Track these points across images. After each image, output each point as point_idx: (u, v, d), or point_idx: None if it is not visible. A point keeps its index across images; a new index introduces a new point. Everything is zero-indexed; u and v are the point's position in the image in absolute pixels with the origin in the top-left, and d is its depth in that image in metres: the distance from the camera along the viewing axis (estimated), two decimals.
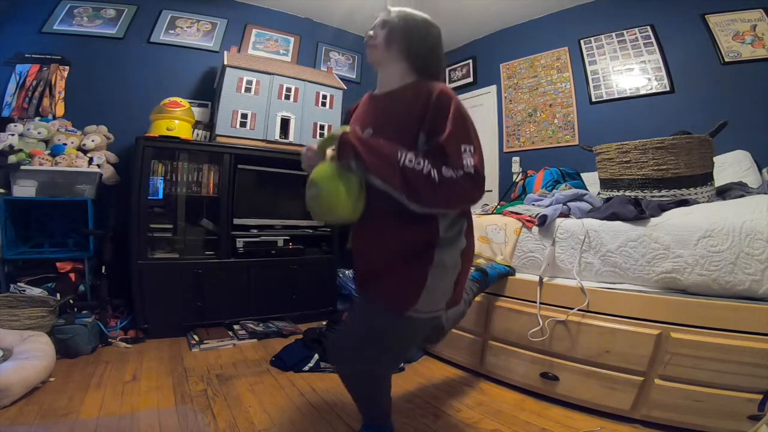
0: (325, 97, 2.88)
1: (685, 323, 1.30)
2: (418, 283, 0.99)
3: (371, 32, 1.11)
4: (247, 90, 2.59)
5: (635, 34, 2.69)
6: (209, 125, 2.80)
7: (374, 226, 1.05)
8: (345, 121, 1.25)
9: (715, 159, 1.73)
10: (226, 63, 2.55)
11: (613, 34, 2.80)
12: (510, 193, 2.61)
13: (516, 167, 3.30)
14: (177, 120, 2.37)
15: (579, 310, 1.50)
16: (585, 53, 2.94)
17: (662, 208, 1.51)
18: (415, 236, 1.00)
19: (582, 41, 2.95)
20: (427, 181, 0.90)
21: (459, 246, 1.05)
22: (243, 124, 2.57)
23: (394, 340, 1.08)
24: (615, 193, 1.76)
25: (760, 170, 2.05)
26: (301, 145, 2.73)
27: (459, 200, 0.97)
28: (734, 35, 2.29)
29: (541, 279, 1.63)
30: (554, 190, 2.10)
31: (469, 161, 0.92)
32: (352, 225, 1.11)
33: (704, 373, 1.25)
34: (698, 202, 1.56)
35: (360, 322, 1.11)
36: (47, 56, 2.48)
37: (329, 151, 1.00)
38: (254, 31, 3.19)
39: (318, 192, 0.98)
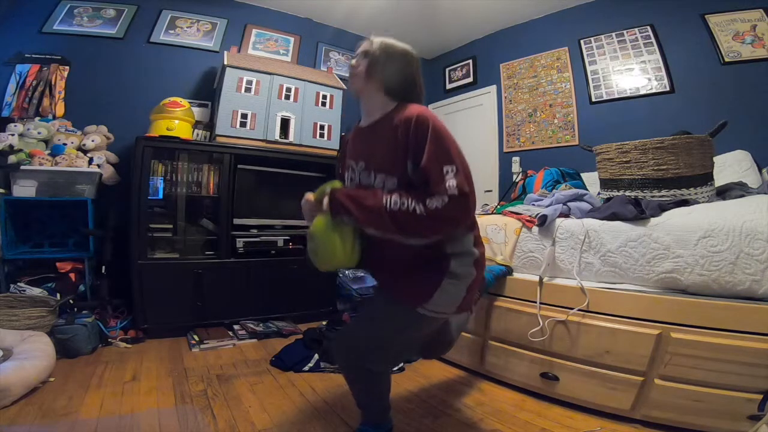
0: (325, 97, 2.88)
1: (685, 323, 1.30)
2: (432, 284, 1.06)
3: (353, 62, 1.16)
4: (247, 90, 2.59)
5: (635, 34, 2.69)
6: (209, 125, 2.80)
7: (387, 249, 1.11)
8: (340, 149, 1.30)
9: (715, 159, 1.73)
10: (226, 63, 2.55)
11: (613, 34, 2.80)
12: (510, 193, 2.61)
13: (516, 167, 3.30)
14: (177, 120, 2.37)
15: (579, 310, 1.50)
16: (585, 53, 2.94)
17: (662, 208, 1.51)
18: (425, 256, 1.07)
19: (582, 41, 2.95)
20: (414, 217, 0.96)
21: (471, 258, 1.11)
22: (243, 124, 2.57)
23: (399, 332, 1.13)
24: (615, 193, 1.76)
25: (760, 170, 2.05)
26: (301, 145, 2.74)
27: (447, 226, 1.00)
28: (734, 35, 2.29)
29: (541, 279, 1.63)
30: (554, 190, 2.09)
31: (452, 183, 0.95)
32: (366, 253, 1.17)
33: (704, 373, 1.25)
34: (698, 202, 1.56)
35: (368, 315, 1.19)
36: (47, 56, 2.48)
37: (325, 201, 1.08)
38: (254, 31, 3.19)
39: (316, 245, 1.08)
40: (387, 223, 0.99)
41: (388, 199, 0.99)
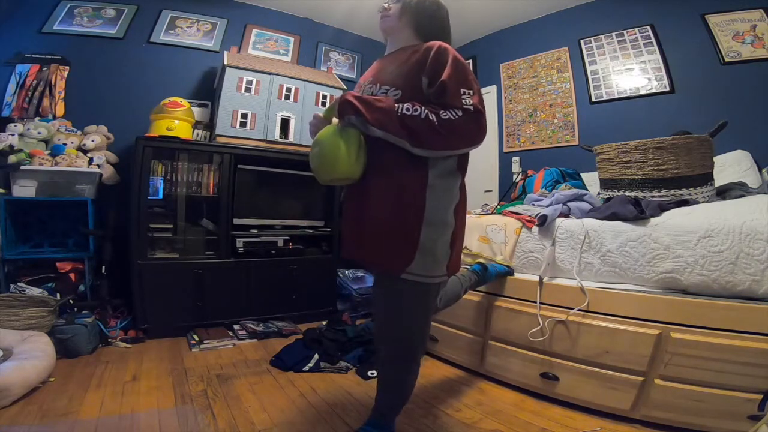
0: (325, 97, 2.88)
1: (685, 323, 1.30)
2: (411, 239, 1.02)
3: (385, 5, 1.18)
4: (247, 90, 2.59)
5: (635, 34, 2.69)
6: (209, 125, 2.80)
7: (366, 183, 1.08)
8: None
9: (715, 159, 1.73)
10: (226, 63, 2.55)
11: (613, 34, 2.80)
12: (510, 193, 2.61)
13: (516, 167, 3.30)
14: (177, 120, 2.37)
15: (579, 310, 1.50)
16: (585, 53, 2.93)
17: (662, 208, 1.51)
18: (404, 182, 1.03)
19: (582, 41, 2.95)
20: (426, 123, 0.96)
21: (451, 199, 1.08)
22: (243, 124, 2.57)
23: (411, 312, 1.10)
24: (615, 193, 1.76)
25: (760, 170, 2.05)
26: (301, 145, 2.74)
27: (460, 139, 0.99)
28: (734, 35, 2.29)
29: (541, 279, 1.63)
30: (554, 190, 2.09)
31: (467, 100, 0.97)
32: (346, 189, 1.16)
33: (704, 373, 1.25)
34: (698, 202, 1.56)
35: (389, 310, 1.15)
36: (47, 56, 2.48)
37: (334, 120, 1.09)
38: (254, 31, 3.19)
39: (320, 149, 1.05)
40: (396, 125, 0.97)
41: (400, 105, 0.99)
